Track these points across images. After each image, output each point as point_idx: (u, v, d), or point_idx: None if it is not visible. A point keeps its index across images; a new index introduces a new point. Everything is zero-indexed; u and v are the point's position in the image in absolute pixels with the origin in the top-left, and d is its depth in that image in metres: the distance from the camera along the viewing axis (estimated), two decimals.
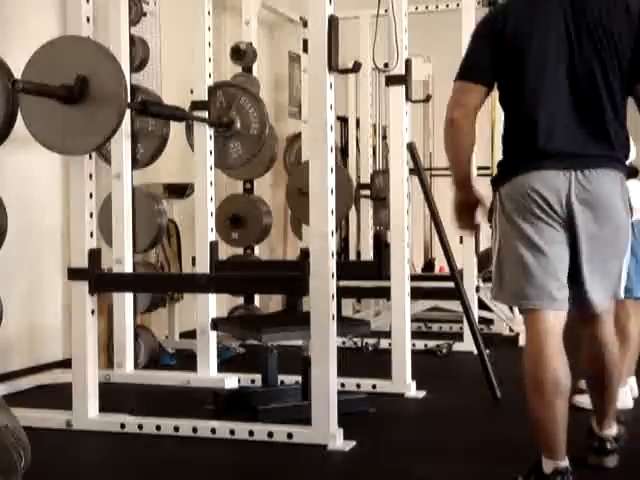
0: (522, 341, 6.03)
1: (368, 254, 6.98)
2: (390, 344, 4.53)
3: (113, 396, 4.17)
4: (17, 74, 3.82)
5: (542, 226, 2.77)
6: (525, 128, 2.81)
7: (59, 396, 4.13)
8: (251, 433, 3.60)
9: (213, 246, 4.77)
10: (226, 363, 5.22)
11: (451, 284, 4.67)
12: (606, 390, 3.08)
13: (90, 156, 3.78)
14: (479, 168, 6.17)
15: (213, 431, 3.66)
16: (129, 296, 4.81)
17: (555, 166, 2.75)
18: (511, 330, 6.25)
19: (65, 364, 4.56)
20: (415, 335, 4.70)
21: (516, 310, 6.29)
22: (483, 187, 3.05)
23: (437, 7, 6.82)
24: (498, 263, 2.89)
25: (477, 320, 5.36)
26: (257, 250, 6.39)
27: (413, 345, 4.58)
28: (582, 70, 2.76)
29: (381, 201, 6.97)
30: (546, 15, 2.79)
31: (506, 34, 2.82)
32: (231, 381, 4.62)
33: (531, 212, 2.77)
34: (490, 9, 5.19)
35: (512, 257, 2.82)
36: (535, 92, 2.79)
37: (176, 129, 5.06)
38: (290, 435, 3.54)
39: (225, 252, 5.89)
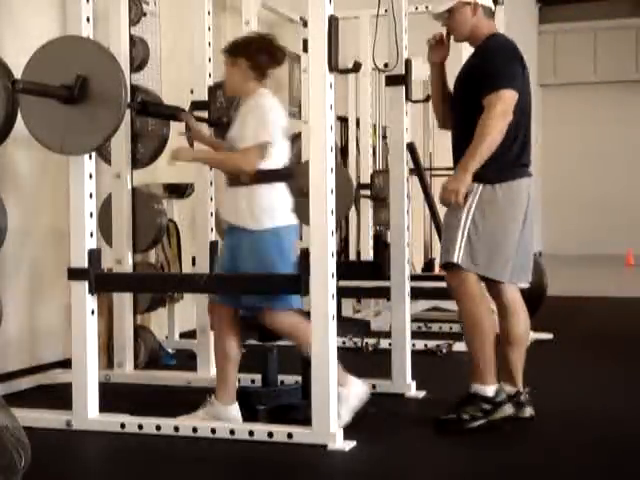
0: None
1: (368, 254, 6.98)
2: (390, 344, 4.53)
3: (113, 396, 4.16)
4: (17, 74, 3.82)
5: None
6: (518, 145, 3.78)
7: (59, 396, 4.13)
8: (251, 433, 3.60)
9: (213, 246, 4.76)
10: None
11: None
12: (518, 351, 3.93)
13: (90, 156, 3.78)
14: None
15: (213, 431, 3.66)
16: (129, 296, 4.82)
17: (529, 174, 3.87)
18: None
19: (65, 364, 4.56)
20: (415, 335, 4.70)
21: None
22: None
23: None
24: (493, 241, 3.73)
25: None
26: None
27: (413, 345, 4.58)
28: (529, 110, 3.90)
29: (381, 201, 6.97)
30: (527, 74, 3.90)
31: (525, 74, 3.83)
32: None
33: (520, 208, 3.78)
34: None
35: (501, 242, 3.74)
36: (525, 120, 3.82)
37: (176, 129, 5.05)
38: (290, 435, 3.54)
39: None
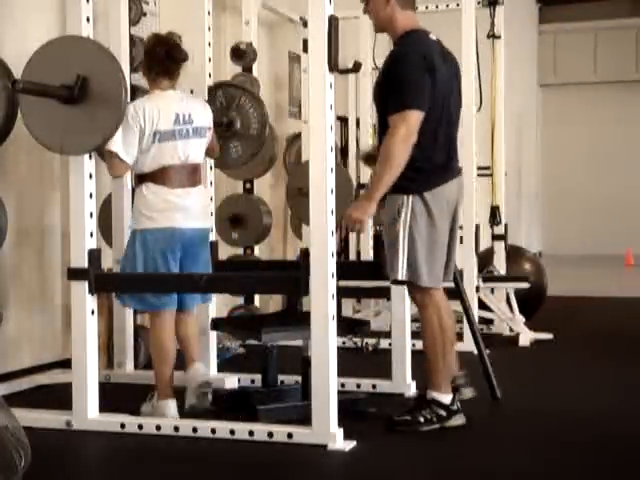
0: (522, 341, 6.04)
1: (368, 254, 6.98)
2: (390, 344, 4.53)
3: (113, 396, 4.17)
4: (17, 74, 3.82)
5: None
6: (441, 150, 3.74)
7: (59, 396, 4.13)
8: (251, 433, 3.60)
9: (213, 246, 4.76)
10: (226, 363, 5.22)
11: (451, 284, 4.67)
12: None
13: (90, 156, 3.78)
14: (479, 168, 6.18)
15: (213, 431, 3.66)
16: None
17: (456, 175, 3.84)
18: (511, 330, 6.25)
19: (65, 364, 4.56)
20: (415, 335, 4.69)
21: (516, 310, 6.30)
22: None
23: (437, 7, 6.82)
24: (429, 252, 3.72)
25: (477, 320, 5.35)
26: (257, 250, 6.39)
27: (413, 345, 4.58)
28: (457, 116, 3.88)
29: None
30: (448, 73, 3.79)
31: (436, 79, 3.67)
32: (231, 381, 4.62)
33: (449, 212, 3.79)
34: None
35: (439, 247, 3.75)
36: (445, 123, 3.75)
37: None
38: (290, 435, 3.54)
39: (225, 252, 5.89)
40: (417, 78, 3.65)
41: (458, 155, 3.92)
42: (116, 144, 3.79)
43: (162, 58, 3.93)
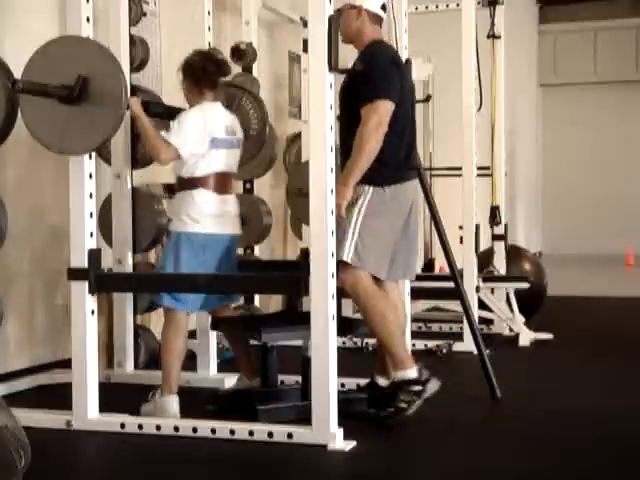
0: (522, 341, 6.04)
1: None
2: None
3: (113, 396, 4.16)
4: (17, 74, 3.82)
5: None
6: (404, 149, 3.93)
7: (59, 396, 4.13)
8: (251, 433, 3.60)
9: None
10: (226, 363, 5.22)
11: (451, 284, 4.67)
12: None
13: (90, 156, 3.78)
14: (479, 168, 6.18)
15: (213, 431, 3.66)
16: (129, 296, 4.82)
17: (414, 177, 4.05)
18: (511, 330, 6.25)
19: (65, 364, 4.55)
20: (415, 335, 4.70)
21: (516, 310, 6.30)
22: None
23: (437, 7, 6.82)
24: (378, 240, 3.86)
25: (477, 320, 5.35)
26: (257, 250, 6.38)
27: (413, 345, 4.59)
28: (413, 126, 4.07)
29: None
30: (407, 88, 4.01)
31: (403, 77, 3.89)
32: (231, 381, 4.61)
33: (405, 210, 3.95)
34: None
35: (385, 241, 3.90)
36: (409, 124, 3.98)
37: None
38: (290, 435, 3.54)
39: None
40: (387, 71, 3.85)
41: (415, 161, 4.14)
42: (181, 140, 3.91)
43: (213, 73, 4.06)
